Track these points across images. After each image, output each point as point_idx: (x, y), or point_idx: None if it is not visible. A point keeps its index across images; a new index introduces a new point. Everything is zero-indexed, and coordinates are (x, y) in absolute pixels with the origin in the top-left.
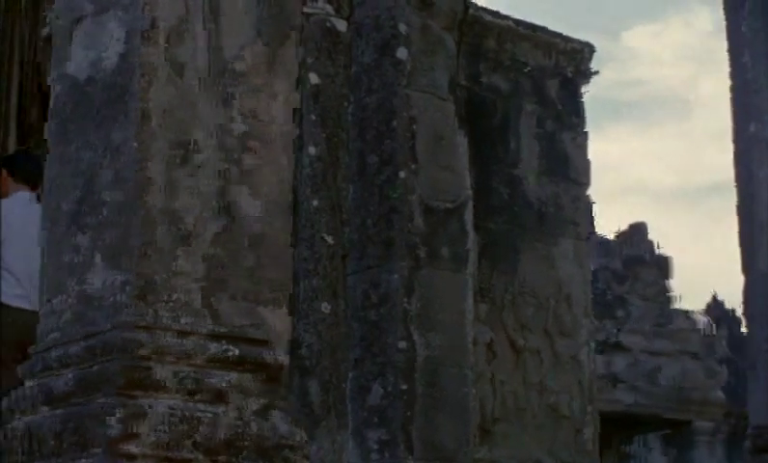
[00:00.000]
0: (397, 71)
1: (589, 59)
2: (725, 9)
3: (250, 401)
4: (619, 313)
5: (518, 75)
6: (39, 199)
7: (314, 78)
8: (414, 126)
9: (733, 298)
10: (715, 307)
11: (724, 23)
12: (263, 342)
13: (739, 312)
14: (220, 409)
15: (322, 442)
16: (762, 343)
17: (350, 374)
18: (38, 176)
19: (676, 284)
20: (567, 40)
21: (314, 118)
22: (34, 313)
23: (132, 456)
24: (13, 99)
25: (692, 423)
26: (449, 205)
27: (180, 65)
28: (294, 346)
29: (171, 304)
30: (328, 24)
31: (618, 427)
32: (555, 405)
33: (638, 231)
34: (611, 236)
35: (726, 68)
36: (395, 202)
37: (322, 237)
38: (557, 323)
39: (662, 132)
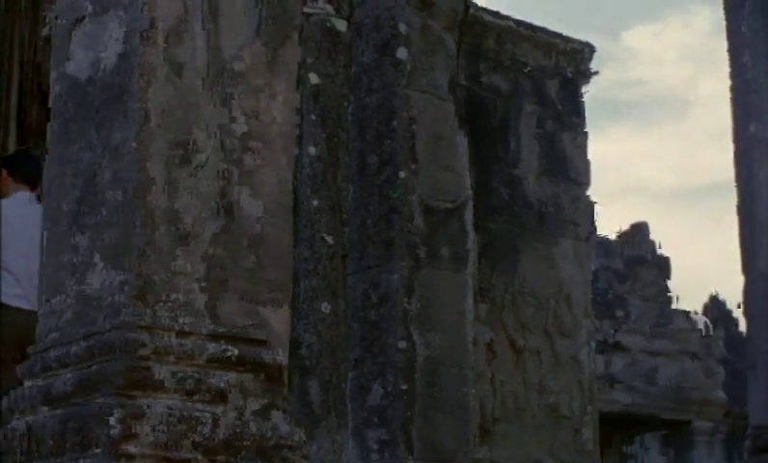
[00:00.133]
0: (396, 71)
1: (590, 59)
2: (725, 9)
3: (249, 401)
4: (619, 313)
5: (518, 75)
6: (38, 199)
7: (313, 78)
8: (414, 126)
9: (731, 298)
10: (713, 307)
11: (723, 23)
12: (263, 343)
13: (737, 312)
14: (219, 409)
15: (322, 442)
16: (762, 344)
17: (350, 374)
18: (37, 176)
19: (674, 284)
20: (567, 40)
21: (314, 118)
22: (33, 313)
23: (131, 456)
24: (13, 99)
25: (691, 423)
26: (449, 205)
27: (180, 65)
28: (294, 346)
29: (170, 304)
30: (328, 24)
31: (617, 427)
32: (555, 405)
33: (639, 231)
34: (612, 236)
35: (725, 67)
36: (395, 202)
37: (322, 237)
38: (557, 323)
39: (661, 132)
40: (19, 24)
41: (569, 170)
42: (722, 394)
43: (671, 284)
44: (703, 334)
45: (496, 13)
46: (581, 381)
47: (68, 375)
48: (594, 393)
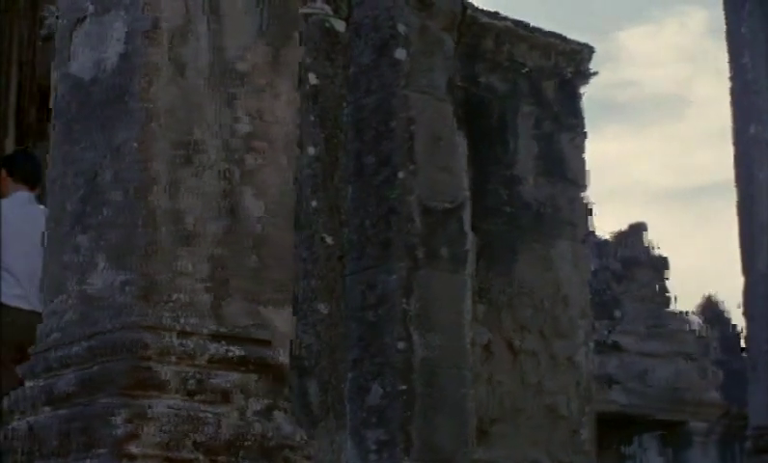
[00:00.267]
0: (395, 72)
1: (588, 60)
2: (724, 10)
3: (252, 402)
4: (615, 313)
5: (516, 76)
6: (38, 199)
7: (312, 79)
8: (412, 127)
9: (726, 299)
10: (708, 307)
11: (718, 24)
12: (266, 343)
13: (732, 312)
14: (222, 409)
15: (321, 442)
16: (762, 344)
17: (349, 375)
18: (37, 175)
19: (670, 284)
20: (566, 41)
21: (312, 118)
22: (33, 314)
23: (135, 456)
24: (12, 99)
25: (686, 424)
26: (447, 206)
27: (182, 65)
28: (292, 347)
29: (173, 304)
30: (327, 24)
31: (613, 428)
32: (552, 406)
33: (635, 231)
34: (607, 237)
35: (720, 68)
36: (393, 202)
37: (321, 238)
38: (554, 324)
39: (656, 133)
40: (18, 24)
41: (567, 171)
42: (717, 394)
43: (667, 284)
44: (699, 334)
45: (494, 14)
46: (578, 382)
47: (71, 375)
48: (592, 393)
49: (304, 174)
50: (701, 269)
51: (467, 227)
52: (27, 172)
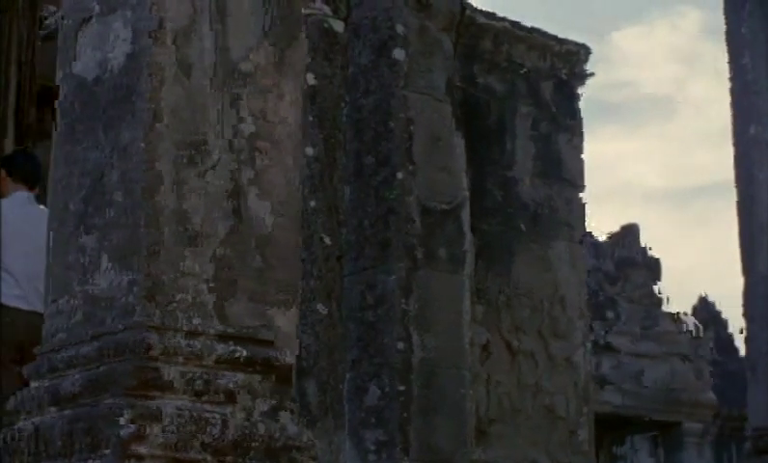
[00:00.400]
0: (394, 73)
1: (585, 61)
2: (725, 10)
3: (258, 402)
4: (609, 314)
5: (514, 77)
6: (37, 199)
7: (311, 79)
8: (411, 127)
9: (720, 299)
10: (702, 308)
11: (711, 24)
12: (271, 344)
13: (727, 313)
14: (228, 410)
15: (319, 443)
16: (762, 345)
17: (348, 375)
18: (36, 175)
19: (664, 285)
20: (562, 42)
21: (311, 118)
22: (32, 314)
23: (141, 457)
24: (11, 99)
25: (681, 425)
26: (445, 207)
27: (188, 65)
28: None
29: (179, 305)
30: (325, 25)
31: (607, 429)
32: (550, 406)
33: (629, 232)
34: (602, 237)
35: (716, 68)
36: (392, 203)
37: (320, 238)
38: (551, 325)
39: (649, 133)
40: (17, 24)
41: (564, 172)
42: (712, 395)
43: (661, 285)
44: (694, 335)
45: (491, 15)
46: (576, 382)
47: (77, 376)
48: (590, 394)
49: (302, 174)
50: (695, 270)
51: (466, 227)
52: (27, 172)
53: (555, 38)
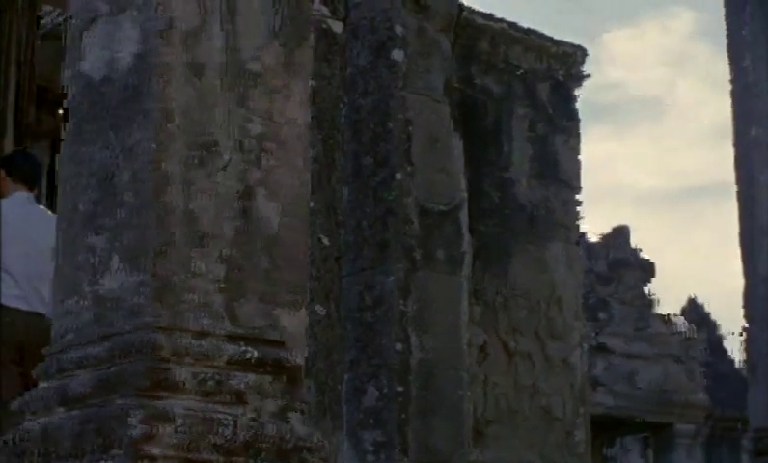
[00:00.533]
0: (392, 73)
1: (581, 62)
2: (725, 12)
3: (268, 403)
4: (602, 315)
5: (511, 78)
6: (36, 199)
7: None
8: (410, 128)
9: (709, 301)
10: (690, 310)
11: (702, 26)
12: (281, 344)
13: (717, 315)
14: (239, 411)
15: None
16: (763, 347)
17: (346, 376)
18: (36, 176)
19: (655, 286)
20: (559, 43)
21: (309, 119)
22: (32, 314)
23: (153, 458)
24: (11, 99)
25: (672, 426)
26: (444, 208)
27: (198, 65)
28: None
29: (189, 305)
30: (324, 26)
31: (599, 430)
32: (547, 407)
33: (621, 233)
34: (593, 239)
35: (708, 70)
36: (390, 204)
37: (319, 239)
38: (548, 326)
39: (639, 135)
40: (17, 23)
41: (560, 173)
42: (704, 396)
43: (653, 287)
44: (686, 336)
45: (489, 16)
46: (573, 384)
47: (86, 376)
48: (586, 395)
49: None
50: (684, 271)
51: (464, 228)
52: (26, 172)
53: (551, 39)
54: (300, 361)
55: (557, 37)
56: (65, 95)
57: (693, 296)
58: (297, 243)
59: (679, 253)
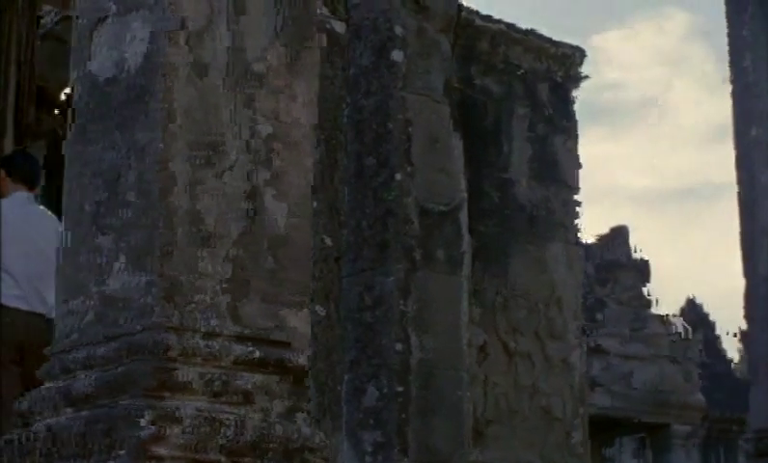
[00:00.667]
0: (392, 74)
1: (580, 63)
2: (726, 13)
3: (275, 403)
4: (598, 316)
5: (511, 78)
6: (36, 199)
7: None
8: (409, 129)
9: (707, 301)
10: (689, 310)
11: (697, 27)
12: (287, 345)
13: (714, 315)
14: (246, 411)
15: None
16: (764, 347)
17: (346, 376)
18: (36, 176)
19: (652, 287)
20: (558, 44)
21: None
22: (32, 314)
23: (161, 458)
24: (10, 99)
25: (669, 427)
26: (443, 208)
27: (204, 66)
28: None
29: (197, 305)
30: (327, 26)
31: (596, 430)
32: (547, 408)
33: (618, 234)
34: (590, 240)
35: (699, 71)
36: (390, 204)
37: (321, 239)
38: (548, 326)
39: (634, 135)
40: (17, 23)
41: (559, 173)
42: (700, 397)
43: (649, 287)
44: (682, 337)
45: (488, 17)
46: (572, 384)
47: (93, 376)
48: (585, 395)
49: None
50: (681, 271)
51: (464, 228)
52: (26, 172)
53: (550, 40)
54: (305, 361)
55: (553, 38)
56: (63, 95)
57: (692, 297)
58: (303, 244)
59: (676, 253)
